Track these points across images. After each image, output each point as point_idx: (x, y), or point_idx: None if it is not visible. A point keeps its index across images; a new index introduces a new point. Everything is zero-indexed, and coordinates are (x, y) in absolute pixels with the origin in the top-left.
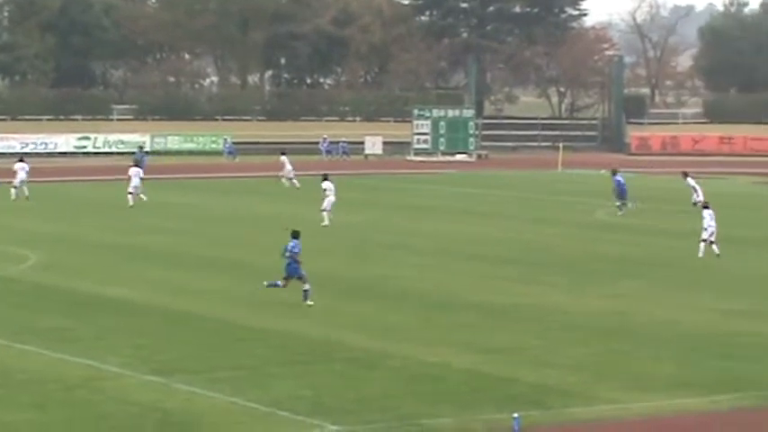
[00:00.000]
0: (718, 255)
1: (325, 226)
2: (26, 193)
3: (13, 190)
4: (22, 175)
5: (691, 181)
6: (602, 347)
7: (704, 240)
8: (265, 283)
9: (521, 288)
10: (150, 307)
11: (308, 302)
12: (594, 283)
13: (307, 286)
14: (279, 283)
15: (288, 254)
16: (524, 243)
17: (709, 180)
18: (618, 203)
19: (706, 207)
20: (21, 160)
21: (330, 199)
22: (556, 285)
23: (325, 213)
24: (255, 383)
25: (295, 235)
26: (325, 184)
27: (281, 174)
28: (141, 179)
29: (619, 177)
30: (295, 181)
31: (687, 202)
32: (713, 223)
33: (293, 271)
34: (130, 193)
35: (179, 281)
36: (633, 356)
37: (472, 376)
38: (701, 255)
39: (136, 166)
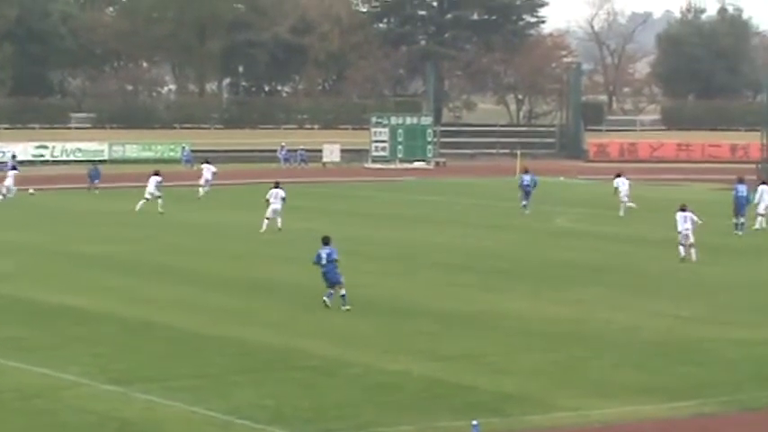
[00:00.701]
0: (693, 259)
1: (261, 232)
2: None
3: None
4: None
5: (619, 181)
6: (562, 354)
7: (682, 244)
8: (326, 299)
9: (480, 295)
10: (109, 316)
11: (346, 307)
12: (553, 290)
13: (343, 291)
14: (331, 293)
15: (325, 261)
16: (483, 250)
17: (667, 187)
18: (524, 203)
19: (683, 209)
20: None
21: (274, 207)
22: (515, 292)
23: (265, 221)
24: (215, 392)
25: (326, 241)
26: (272, 192)
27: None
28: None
29: (527, 177)
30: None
31: (646, 209)
32: (687, 225)
33: (334, 277)
34: (147, 198)
35: (138, 289)
36: (592, 363)
37: (431, 384)
38: (681, 255)
39: (156, 174)
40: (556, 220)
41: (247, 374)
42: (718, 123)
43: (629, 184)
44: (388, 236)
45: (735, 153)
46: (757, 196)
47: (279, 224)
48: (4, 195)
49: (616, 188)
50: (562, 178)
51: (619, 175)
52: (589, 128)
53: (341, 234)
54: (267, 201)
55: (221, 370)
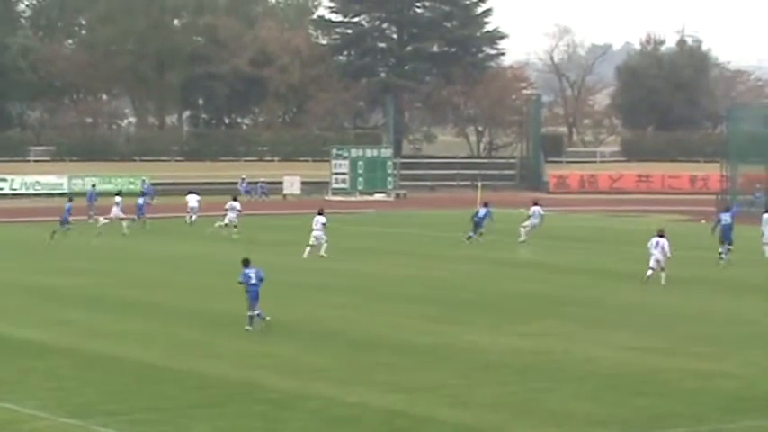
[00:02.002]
0: (663, 284)
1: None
2: None
3: None
4: None
5: (535, 210)
6: (520, 386)
7: (661, 269)
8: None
9: (439, 327)
10: (66, 349)
11: (249, 328)
12: (513, 322)
13: (258, 311)
14: (260, 313)
15: (254, 280)
16: (443, 282)
17: (627, 218)
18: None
19: (661, 236)
20: None
21: (316, 233)
22: (474, 324)
23: (308, 248)
24: (173, 425)
25: (247, 263)
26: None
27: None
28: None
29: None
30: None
31: (606, 241)
32: (659, 253)
33: (257, 297)
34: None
35: (96, 322)
36: (550, 395)
37: (391, 416)
38: (663, 282)
39: (193, 193)
40: (516, 251)
41: (205, 408)
42: (678, 155)
43: (542, 216)
44: (348, 267)
45: (694, 184)
46: (763, 226)
47: (322, 251)
48: None
49: (529, 216)
50: (522, 210)
51: (535, 204)
52: (549, 159)
53: (300, 266)
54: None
55: (180, 403)
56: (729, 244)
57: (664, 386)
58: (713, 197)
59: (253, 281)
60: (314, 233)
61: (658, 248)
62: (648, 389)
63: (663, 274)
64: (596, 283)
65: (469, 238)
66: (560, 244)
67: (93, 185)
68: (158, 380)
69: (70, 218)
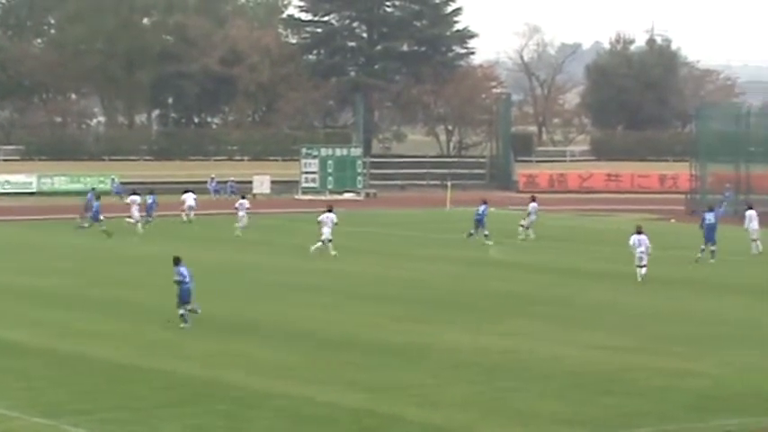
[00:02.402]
0: (641, 277)
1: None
2: None
3: None
4: None
5: (533, 207)
6: (488, 385)
7: (643, 266)
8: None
9: (409, 326)
10: (37, 348)
11: (185, 325)
12: (482, 321)
13: (190, 307)
14: (194, 308)
15: (189, 279)
16: (413, 281)
17: (596, 217)
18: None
19: (639, 232)
20: None
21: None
22: (444, 323)
23: (320, 243)
24: (143, 425)
25: (178, 261)
26: (323, 216)
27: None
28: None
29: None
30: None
31: (577, 240)
32: (642, 249)
33: (190, 294)
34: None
35: (66, 322)
36: (518, 394)
37: (359, 415)
38: (639, 279)
39: (189, 191)
40: (487, 251)
41: (174, 407)
42: (648, 154)
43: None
44: (318, 267)
45: (664, 183)
46: (746, 222)
47: (332, 250)
48: None
49: (528, 213)
50: (492, 209)
51: (533, 200)
52: (519, 158)
53: (271, 265)
54: (319, 223)
55: (149, 403)
56: (713, 244)
57: (631, 385)
58: (683, 196)
59: (187, 279)
60: (324, 231)
61: (643, 245)
62: (616, 387)
63: (642, 271)
64: (565, 282)
65: (470, 235)
66: (530, 243)
67: (93, 188)
68: (128, 379)
69: (101, 216)
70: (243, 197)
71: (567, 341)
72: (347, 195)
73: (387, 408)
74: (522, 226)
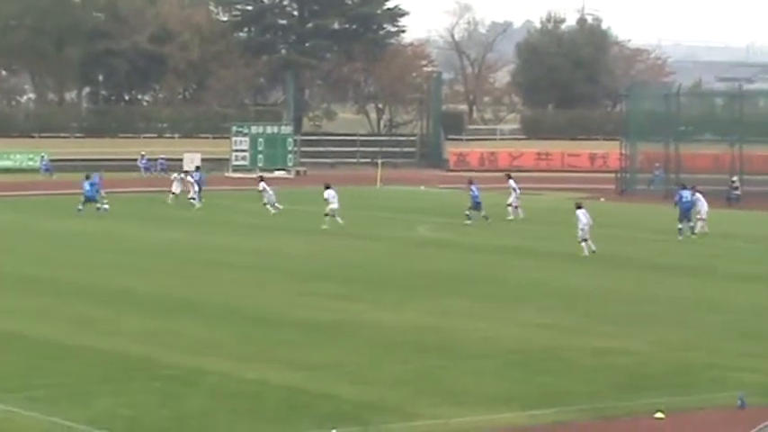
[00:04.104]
0: (594, 251)
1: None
2: None
3: None
4: None
5: (511, 183)
6: (422, 363)
7: (584, 240)
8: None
9: (341, 304)
10: None
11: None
12: (415, 300)
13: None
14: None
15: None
16: (345, 260)
17: (526, 195)
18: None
19: (579, 207)
20: None
21: (332, 206)
22: (376, 302)
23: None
24: (74, 402)
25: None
26: (328, 192)
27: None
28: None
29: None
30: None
31: (505, 219)
32: (587, 222)
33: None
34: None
35: None
36: (453, 372)
37: (291, 393)
38: (585, 254)
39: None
40: (417, 229)
41: (106, 384)
42: (578, 133)
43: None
44: (248, 244)
45: (594, 162)
46: (699, 205)
47: (339, 219)
48: None
49: (513, 190)
50: (423, 188)
51: (509, 177)
52: (449, 137)
53: (201, 242)
54: (326, 200)
55: (80, 380)
56: (689, 221)
57: (564, 364)
58: (613, 175)
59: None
60: (330, 206)
61: (587, 217)
62: (549, 366)
63: (590, 244)
64: (496, 261)
65: (468, 217)
66: (460, 221)
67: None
68: (58, 356)
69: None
70: (261, 179)
71: (500, 320)
72: (278, 173)
73: (319, 386)
74: (510, 206)
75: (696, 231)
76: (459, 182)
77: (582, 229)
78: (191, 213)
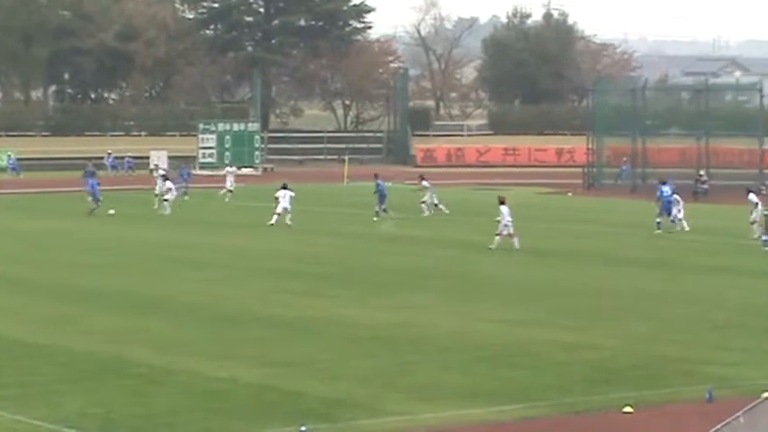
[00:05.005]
0: (517, 248)
1: (270, 224)
2: None
3: None
4: None
5: (426, 183)
6: (390, 360)
7: (499, 234)
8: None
9: (308, 301)
10: None
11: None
12: (381, 295)
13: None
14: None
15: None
16: (311, 256)
17: (494, 191)
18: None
19: (502, 203)
20: None
21: (284, 205)
22: (343, 298)
23: (275, 216)
24: (43, 401)
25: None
26: (280, 192)
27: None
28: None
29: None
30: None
31: (467, 213)
32: (510, 218)
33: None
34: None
35: None
36: (420, 368)
37: (261, 390)
38: (493, 246)
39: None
40: (384, 225)
41: (76, 383)
42: (545, 128)
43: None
44: (216, 242)
45: (561, 157)
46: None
47: (288, 221)
48: None
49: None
50: (390, 184)
51: (422, 178)
52: (416, 133)
53: (169, 240)
54: (276, 199)
55: (49, 379)
56: (669, 215)
57: (532, 358)
58: (580, 170)
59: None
60: (282, 205)
61: (510, 215)
62: (517, 361)
63: (515, 240)
64: (463, 257)
65: (377, 214)
66: (427, 217)
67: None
68: (27, 356)
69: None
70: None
71: (467, 315)
72: (245, 170)
73: (288, 383)
74: (425, 203)
75: (678, 229)
76: (427, 178)
77: (506, 225)
78: (155, 211)
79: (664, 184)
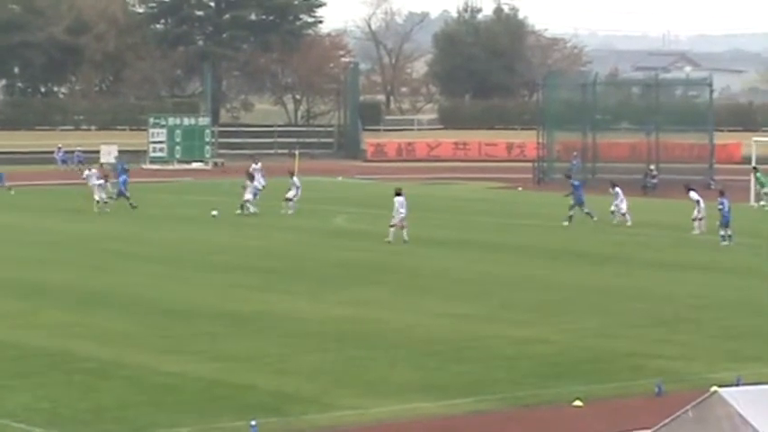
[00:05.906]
0: (406, 240)
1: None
2: None
3: None
4: None
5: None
6: (339, 354)
7: (393, 226)
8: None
9: (258, 295)
10: None
11: None
12: (331, 290)
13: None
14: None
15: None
16: (261, 250)
17: (444, 186)
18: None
19: (398, 195)
20: None
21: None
22: (293, 293)
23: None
24: None
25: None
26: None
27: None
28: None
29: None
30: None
31: (421, 209)
32: (403, 210)
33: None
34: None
35: None
36: (369, 362)
37: (210, 385)
38: (389, 239)
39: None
40: (334, 219)
41: (23, 378)
42: (495, 122)
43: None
44: (165, 236)
45: (511, 152)
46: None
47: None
48: None
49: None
50: (340, 178)
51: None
52: (367, 127)
53: (117, 233)
54: (243, 187)
55: None
56: (726, 227)
57: (482, 352)
58: (530, 165)
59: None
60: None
61: (404, 207)
62: (467, 355)
63: (405, 231)
64: (412, 251)
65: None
66: (377, 212)
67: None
68: None
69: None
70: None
71: (417, 310)
72: (195, 165)
73: (237, 377)
74: (289, 200)
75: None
76: (377, 172)
77: (400, 216)
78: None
79: (722, 194)
